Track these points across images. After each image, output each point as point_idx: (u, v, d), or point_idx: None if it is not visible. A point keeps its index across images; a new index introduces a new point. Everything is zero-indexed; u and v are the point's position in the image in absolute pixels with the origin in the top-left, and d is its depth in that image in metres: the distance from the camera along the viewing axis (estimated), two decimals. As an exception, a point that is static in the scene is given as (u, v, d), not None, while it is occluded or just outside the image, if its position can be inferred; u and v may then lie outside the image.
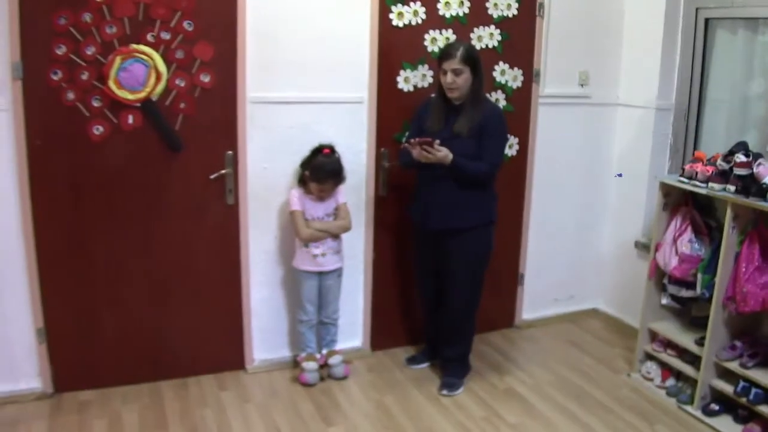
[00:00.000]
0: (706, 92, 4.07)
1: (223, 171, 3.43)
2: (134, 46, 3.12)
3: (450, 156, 3.23)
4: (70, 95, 3.09)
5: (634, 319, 4.30)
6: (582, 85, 4.24)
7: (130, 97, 3.16)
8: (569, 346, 4.23)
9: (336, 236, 3.57)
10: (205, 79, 3.30)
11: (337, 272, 3.64)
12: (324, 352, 3.71)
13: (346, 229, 3.60)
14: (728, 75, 3.97)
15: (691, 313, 3.80)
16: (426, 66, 3.75)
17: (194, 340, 3.59)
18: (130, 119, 3.21)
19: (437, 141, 3.20)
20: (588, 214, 4.52)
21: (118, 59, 3.10)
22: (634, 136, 4.29)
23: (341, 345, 3.84)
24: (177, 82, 3.25)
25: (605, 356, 4.09)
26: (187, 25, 3.20)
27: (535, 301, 4.50)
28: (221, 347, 3.67)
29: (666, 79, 4.09)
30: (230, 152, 3.44)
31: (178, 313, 3.53)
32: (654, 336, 3.82)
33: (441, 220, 3.42)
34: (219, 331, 3.64)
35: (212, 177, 3.42)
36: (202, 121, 3.35)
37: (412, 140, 3.24)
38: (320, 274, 3.57)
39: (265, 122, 3.49)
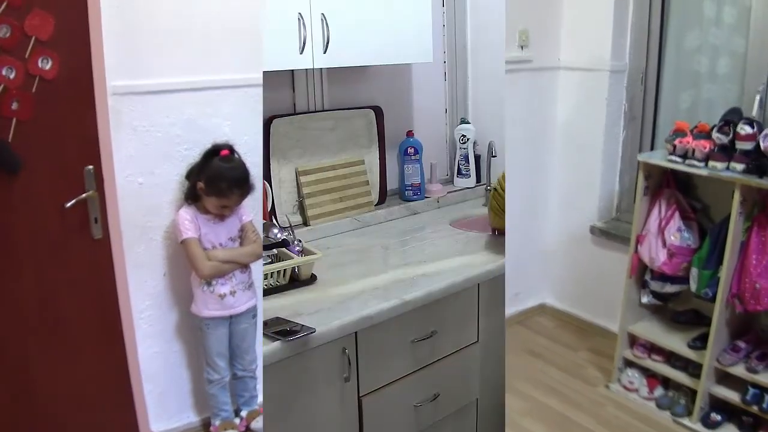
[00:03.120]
0: (665, 50, 3.50)
1: (83, 195, 2.53)
2: (-70, 24, 2.16)
3: None
4: None
5: (589, 314, 3.91)
6: (522, 47, 3.56)
7: (-69, 100, 2.19)
8: (528, 356, 3.65)
9: (245, 266, 2.75)
10: (46, 65, 2.38)
11: (252, 312, 2.82)
12: (243, 414, 2.90)
13: (259, 255, 2.75)
14: (690, 29, 3.40)
15: (669, 309, 3.32)
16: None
17: (70, 418, 2.70)
18: (-65, 132, 2.24)
19: None
20: (531, 197, 3.89)
21: None
22: (581, 103, 3.69)
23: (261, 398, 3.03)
24: (4, 72, 2.31)
25: (572, 364, 3.56)
26: (11, -11, 2.26)
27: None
28: (106, 422, 2.80)
29: (618, 36, 3.49)
30: (90, 167, 2.54)
31: (44, 387, 2.62)
32: (633, 339, 3.29)
33: None
34: (101, 401, 2.76)
35: (69, 204, 2.50)
36: (47, 127, 2.44)
37: None
38: (231, 318, 2.75)
39: (136, 121, 2.62)
